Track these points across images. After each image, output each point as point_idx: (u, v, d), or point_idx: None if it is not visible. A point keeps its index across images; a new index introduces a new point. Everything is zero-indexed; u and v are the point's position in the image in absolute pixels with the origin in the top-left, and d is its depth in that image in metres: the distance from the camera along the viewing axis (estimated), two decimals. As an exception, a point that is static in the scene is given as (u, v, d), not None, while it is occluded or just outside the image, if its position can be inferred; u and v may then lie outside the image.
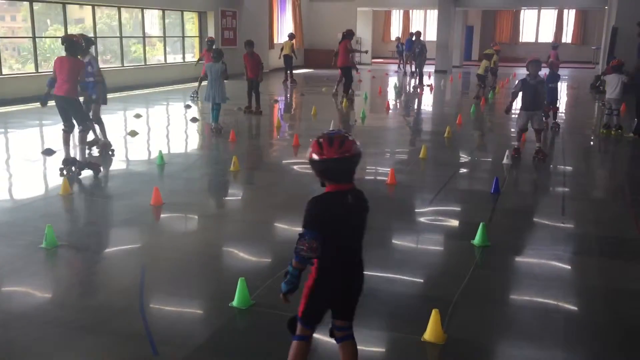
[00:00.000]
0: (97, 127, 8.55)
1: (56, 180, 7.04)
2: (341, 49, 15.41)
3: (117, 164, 8.32)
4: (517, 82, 8.74)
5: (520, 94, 8.56)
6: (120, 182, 7.45)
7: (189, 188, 7.14)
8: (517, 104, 9.12)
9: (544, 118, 9.38)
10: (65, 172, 7.31)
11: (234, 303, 3.93)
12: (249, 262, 4.94)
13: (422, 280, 4.54)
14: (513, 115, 11.42)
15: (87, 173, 7.33)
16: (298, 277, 2.76)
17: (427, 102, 17.00)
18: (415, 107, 16.04)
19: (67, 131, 7.40)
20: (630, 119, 12.60)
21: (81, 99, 7.66)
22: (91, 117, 8.21)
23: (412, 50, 22.30)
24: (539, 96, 8.40)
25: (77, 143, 7.63)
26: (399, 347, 3.58)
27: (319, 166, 2.72)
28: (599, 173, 8.73)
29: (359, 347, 3.01)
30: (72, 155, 7.48)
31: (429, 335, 3.56)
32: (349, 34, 15.54)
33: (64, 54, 7.18)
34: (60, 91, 7.10)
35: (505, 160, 8.33)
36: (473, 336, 3.69)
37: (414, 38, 22.50)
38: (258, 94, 12.71)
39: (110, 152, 8.55)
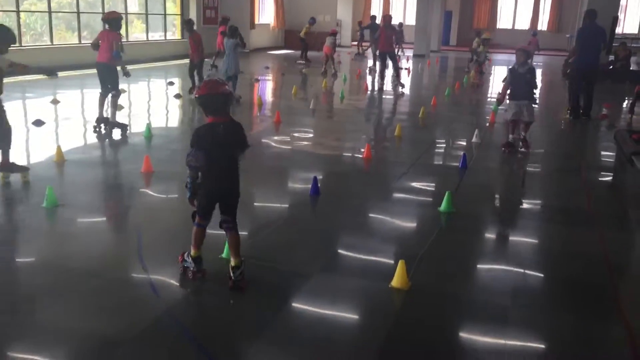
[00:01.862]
0: None
1: (50, 148, 7.39)
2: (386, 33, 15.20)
3: (106, 135, 8.65)
4: (507, 71, 8.54)
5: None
6: (110, 152, 7.84)
7: (175, 158, 7.50)
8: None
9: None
10: (97, 129, 8.54)
11: (224, 255, 4.40)
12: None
13: (391, 240, 5.05)
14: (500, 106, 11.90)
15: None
16: (194, 183, 3.87)
17: (405, 84, 17.48)
18: (393, 89, 16.52)
19: (103, 94, 8.62)
20: (597, 104, 13.32)
21: None
22: None
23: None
24: (528, 85, 8.10)
25: (109, 105, 8.66)
26: (369, 292, 4.08)
27: (198, 101, 3.81)
28: (561, 153, 9.30)
29: (332, 291, 3.49)
30: (104, 115, 8.61)
31: (395, 282, 4.07)
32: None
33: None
34: (102, 58, 8.44)
35: (474, 139, 8.87)
36: (434, 284, 4.22)
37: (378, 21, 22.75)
38: (200, 75, 12.43)
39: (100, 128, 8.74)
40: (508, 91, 8.29)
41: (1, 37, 5.70)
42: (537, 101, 8.52)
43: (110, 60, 8.40)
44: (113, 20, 8.46)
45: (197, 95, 3.81)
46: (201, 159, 3.77)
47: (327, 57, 17.75)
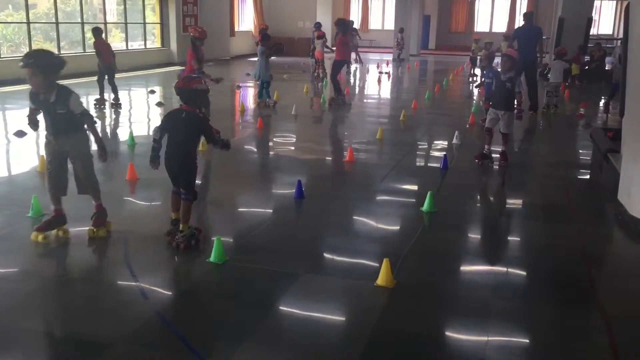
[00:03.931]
0: None
1: (33, 158, 7.40)
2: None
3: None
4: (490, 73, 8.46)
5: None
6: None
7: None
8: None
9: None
10: None
11: (211, 259, 4.46)
12: (221, 225, 5.48)
13: (376, 240, 5.14)
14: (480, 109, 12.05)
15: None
16: (154, 149, 4.77)
17: (385, 88, 17.67)
18: (373, 92, 16.68)
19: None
20: (574, 102, 13.65)
21: None
22: None
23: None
24: (508, 95, 7.57)
25: None
26: (355, 291, 4.16)
27: (177, 91, 4.70)
28: (539, 151, 9.47)
29: (319, 291, 3.58)
30: None
31: (381, 280, 4.16)
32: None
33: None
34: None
35: (454, 140, 9.01)
36: (419, 282, 4.32)
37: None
38: (100, 83, 11.86)
39: None
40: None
41: (57, 63, 4.81)
42: (520, 110, 7.88)
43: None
44: (191, 38, 9.46)
45: (175, 87, 4.73)
46: (157, 133, 4.71)
47: (319, 62, 17.92)
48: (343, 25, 13.18)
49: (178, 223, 4.78)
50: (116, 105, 11.94)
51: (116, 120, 10.87)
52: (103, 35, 12.22)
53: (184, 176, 4.73)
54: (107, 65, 11.77)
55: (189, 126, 4.65)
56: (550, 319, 3.82)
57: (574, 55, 17.44)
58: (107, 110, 11.59)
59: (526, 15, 12.73)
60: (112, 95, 11.96)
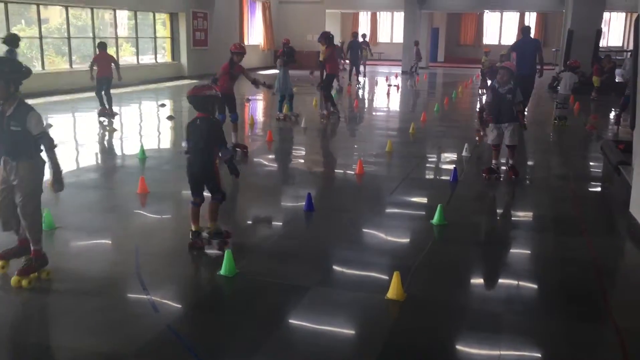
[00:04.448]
0: None
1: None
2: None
3: (100, 158, 8.76)
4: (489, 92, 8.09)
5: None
6: (105, 174, 7.91)
7: (170, 178, 7.60)
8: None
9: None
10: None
11: (222, 272, 4.47)
12: (232, 237, 5.47)
13: (386, 253, 5.13)
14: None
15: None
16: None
17: (394, 101, 17.72)
18: (382, 105, 16.72)
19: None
20: (585, 114, 13.62)
21: None
22: None
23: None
24: (510, 107, 7.31)
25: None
26: (366, 304, 4.15)
27: (188, 100, 4.90)
28: (550, 164, 9.45)
29: (329, 304, 3.58)
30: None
31: (391, 293, 4.15)
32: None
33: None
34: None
35: (464, 153, 9.00)
36: (429, 295, 4.31)
37: (361, 39, 22.67)
38: (99, 94, 12.09)
39: None
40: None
41: (19, 71, 4.20)
42: (524, 118, 7.49)
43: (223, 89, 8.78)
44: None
45: (187, 95, 4.93)
46: (187, 144, 4.90)
47: None
48: (328, 38, 13.05)
49: (199, 234, 4.98)
50: (109, 115, 11.94)
51: (127, 134, 10.94)
52: (110, 49, 12.35)
53: (208, 181, 4.95)
54: (100, 78, 11.87)
55: (203, 132, 4.83)
56: (562, 333, 3.80)
57: (593, 68, 17.57)
58: (108, 121, 11.65)
59: (524, 30, 13.06)
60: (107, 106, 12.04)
